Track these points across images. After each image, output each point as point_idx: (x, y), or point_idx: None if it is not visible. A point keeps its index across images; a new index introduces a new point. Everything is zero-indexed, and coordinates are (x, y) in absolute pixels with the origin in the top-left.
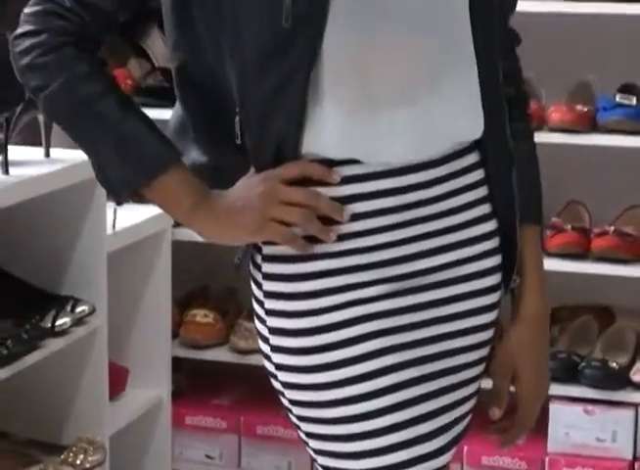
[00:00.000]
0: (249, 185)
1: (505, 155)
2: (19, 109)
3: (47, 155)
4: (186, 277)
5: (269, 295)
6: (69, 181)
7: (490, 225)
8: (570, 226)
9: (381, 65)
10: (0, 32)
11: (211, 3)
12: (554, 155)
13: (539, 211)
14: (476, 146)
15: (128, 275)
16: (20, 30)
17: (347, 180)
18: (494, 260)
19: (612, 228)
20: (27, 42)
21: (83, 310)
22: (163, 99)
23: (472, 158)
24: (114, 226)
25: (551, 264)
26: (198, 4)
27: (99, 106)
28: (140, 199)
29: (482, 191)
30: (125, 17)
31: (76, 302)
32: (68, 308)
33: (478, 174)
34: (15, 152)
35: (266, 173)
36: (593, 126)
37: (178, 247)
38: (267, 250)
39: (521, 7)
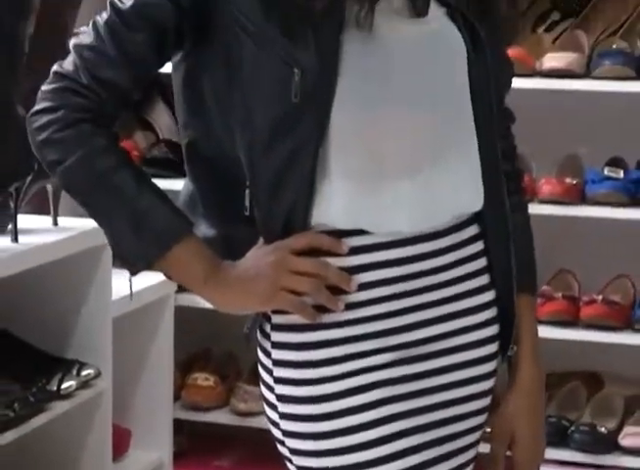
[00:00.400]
0: (259, 255)
1: (503, 227)
2: (28, 179)
3: (55, 223)
4: (188, 341)
5: (278, 363)
6: (76, 249)
7: (489, 296)
8: (560, 294)
9: (386, 138)
10: (13, 108)
11: (222, 80)
12: (544, 226)
13: (534, 282)
14: (475, 218)
15: (132, 339)
16: (37, 107)
17: (356, 251)
18: (492, 330)
19: (600, 297)
20: (45, 118)
21: (89, 374)
22: (168, 170)
23: (471, 230)
24: (130, 296)
25: (541, 331)
26: (208, 81)
27: (115, 179)
28: (154, 270)
29: (482, 262)
30: (140, 93)
31: (82, 365)
32: (74, 372)
33: (477, 246)
34: (24, 220)
35: (276, 244)
36: (582, 198)
37: (180, 312)
38: (276, 319)
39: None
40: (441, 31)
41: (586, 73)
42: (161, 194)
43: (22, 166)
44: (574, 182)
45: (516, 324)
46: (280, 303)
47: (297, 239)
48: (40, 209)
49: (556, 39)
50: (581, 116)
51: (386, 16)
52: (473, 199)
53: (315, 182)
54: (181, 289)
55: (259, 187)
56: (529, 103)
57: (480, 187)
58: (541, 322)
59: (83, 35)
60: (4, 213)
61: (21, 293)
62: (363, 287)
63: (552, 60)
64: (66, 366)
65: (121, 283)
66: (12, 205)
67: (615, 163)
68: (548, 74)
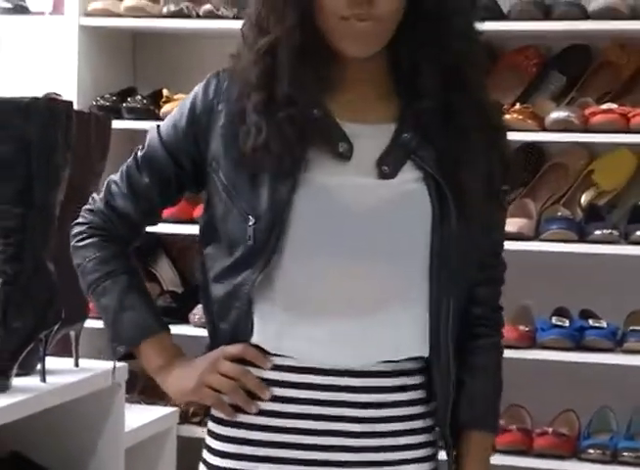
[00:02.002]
0: (204, 357)
1: (446, 374)
2: (55, 327)
3: (76, 365)
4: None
5: (208, 449)
6: (95, 388)
7: (420, 438)
8: (514, 427)
9: (324, 285)
10: (44, 265)
11: (221, 234)
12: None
13: (486, 419)
14: (420, 370)
15: (141, 465)
16: (77, 220)
17: (278, 368)
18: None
19: (550, 429)
20: (76, 229)
21: None
22: (172, 317)
23: (407, 380)
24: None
25: (499, 460)
26: (220, 227)
27: (112, 282)
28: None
29: (411, 410)
30: (147, 225)
31: None
32: None
33: (412, 395)
34: (50, 362)
35: (218, 349)
36: (533, 343)
37: (179, 441)
38: (213, 412)
39: None
40: (408, 194)
41: (535, 236)
42: (145, 298)
43: (51, 317)
44: (527, 329)
45: (462, 458)
46: (202, 395)
47: (233, 348)
48: (63, 351)
49: (507, 206)
50: (531, 272)
51: (349, 175)
52: (408, 346)
53: (254, 310)
54: (182, 422)
55: (213, 308)
56: None
57: (421, 336)
58: (498, 451)
59: (117, 173)
60: (34, 356)
61: (45, 425)
62: (279, 400)
63: (506, 225)
64: None
65: (133, 417)
66: (41, 349)
67: (560, 312)
68: None
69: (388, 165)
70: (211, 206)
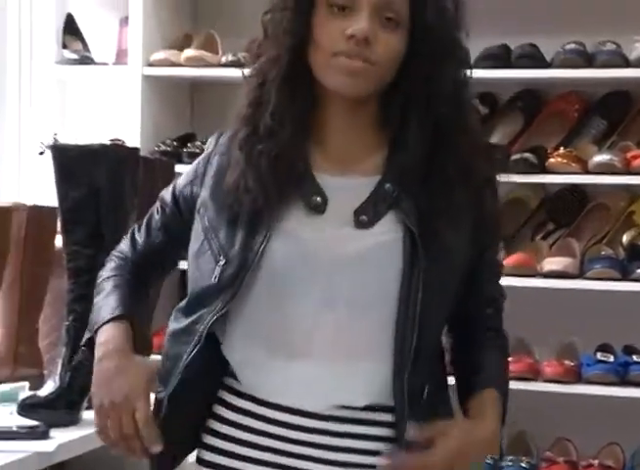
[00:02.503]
0: (136, 382)
1: (403, 426)
2: None
3: None
4: None
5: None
6: None
7: None
8: (561, 459)
9: (285, 326)
10: None
11: (190, 273)
12: (548, 401)
13: (494, 381)
14: (388, 419)
15: None
16: None
17: (241, 395)
18: None
19: (596, 461)
20: (113, 250)
21: None
22: None
23: (369, 429)
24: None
25: None
26: (190, 266)
27: (106, 283)
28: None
29: (366, 459)
30: (157, 259)
31: None
32: None
33: (373, 445)
34: None
35: (147, 396)
36: (578, 378)
37: None
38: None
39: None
40: (382, 245)
41: (580, 275)
42: (122, 297)
43: None
44: (572, 364)
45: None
46: (99, 414)
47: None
48: None
49: (552, 245)
50: (576, 309)
51: (324, 226)
52: (363, 394)
53: (219, 344)
54: None
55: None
56: (533, 298)
57: (381, 386)
58: None
59: None
60: None
61: (111, 457)
62: (239, 427)
63: (551, 264)
64: None
65: None
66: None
67: (604, 348)
68: (548, 275)
69: (366, 215)
70: (190, 247)
